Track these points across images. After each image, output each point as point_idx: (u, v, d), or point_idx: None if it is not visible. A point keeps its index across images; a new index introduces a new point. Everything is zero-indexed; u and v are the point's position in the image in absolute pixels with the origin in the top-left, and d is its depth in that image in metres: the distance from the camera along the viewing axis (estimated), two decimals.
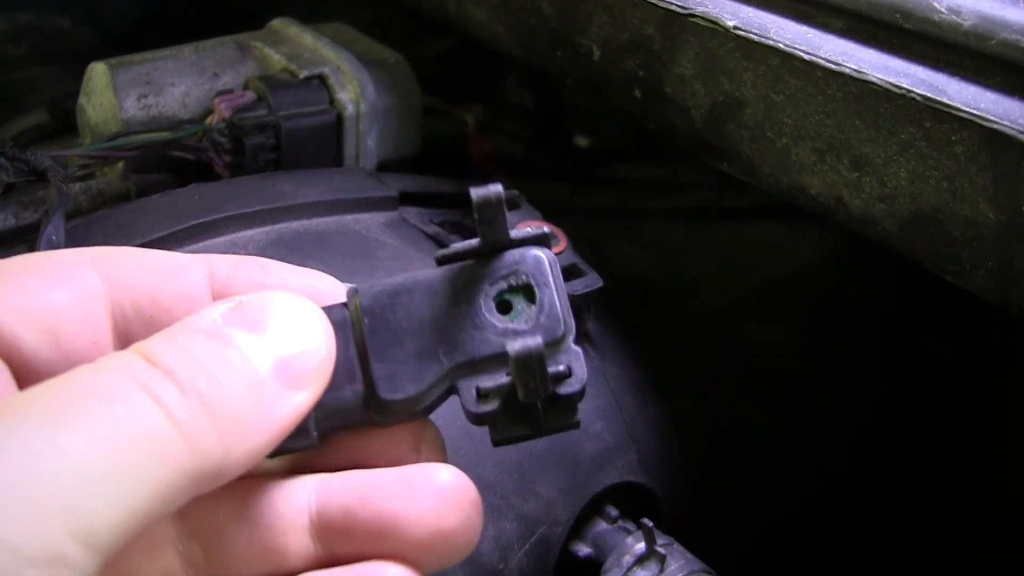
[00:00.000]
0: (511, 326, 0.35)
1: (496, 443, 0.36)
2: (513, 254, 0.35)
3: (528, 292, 0.35)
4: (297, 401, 0.32)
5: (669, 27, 0.54)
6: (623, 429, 0.57)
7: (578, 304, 0.56)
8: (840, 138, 0.51)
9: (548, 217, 0.59)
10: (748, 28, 0.48)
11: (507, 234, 0.35)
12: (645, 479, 0.57)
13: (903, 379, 0.73)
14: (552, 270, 0.35)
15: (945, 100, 0.43)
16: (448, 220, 0.59)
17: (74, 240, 0.53)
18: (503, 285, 0.35)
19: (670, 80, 0.57)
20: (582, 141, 0.87)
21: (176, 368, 0.29)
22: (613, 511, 0.56)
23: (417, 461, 0.35)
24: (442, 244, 0.58)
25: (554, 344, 0.35)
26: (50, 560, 0.25)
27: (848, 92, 0.48)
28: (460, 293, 0.35)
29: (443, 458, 0.36)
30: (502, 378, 0.34)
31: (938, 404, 0.75)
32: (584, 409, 0.60)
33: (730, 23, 0.48)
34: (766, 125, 0.54)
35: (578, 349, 0.35)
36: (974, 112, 0.42)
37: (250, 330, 0.31)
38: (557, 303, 0.35)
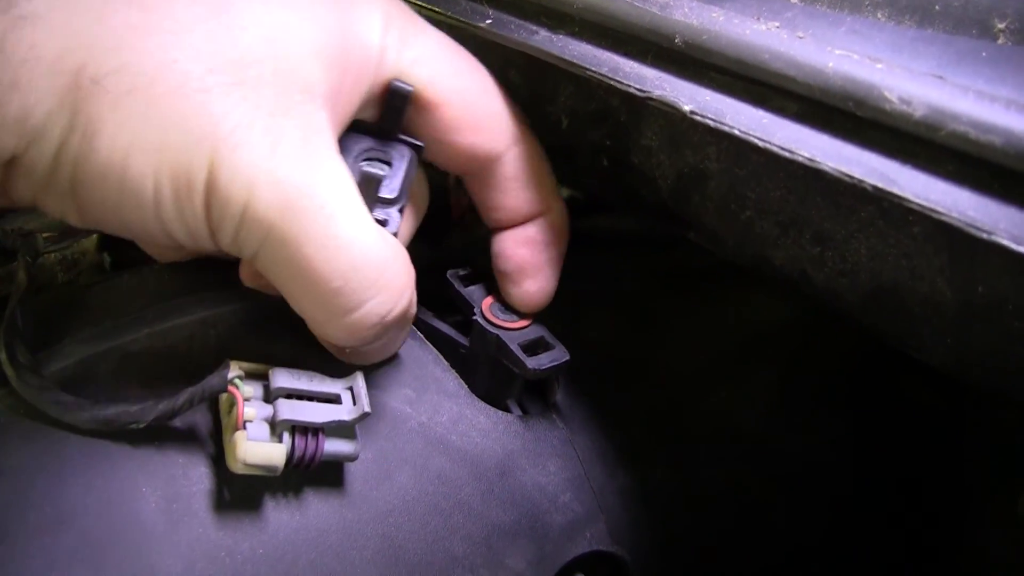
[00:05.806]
0: None
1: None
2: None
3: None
4: None
5: (632, 101, 0.55)
6: (592, 499, 0.57)
7: (545, 378, 0.57)
8: (802, 213, 0.51)
9: None
10: (704, 113, 0.48)
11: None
12: (615, 548, 0.57)
13: (881, 435, 0.73)
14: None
15: (896, 191, 0.43)
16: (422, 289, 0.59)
17: (44, 320, 0.53)
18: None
19: (636, 151, 0.57)
20: (562, 192, 0.87)
21: None
22: None
23: None
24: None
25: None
26: None
27: (807, 171, 0.48)
28: None
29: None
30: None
31: (918, 460, 0.75)
32: (553, 480, 0.60)
33: (686, 108, 0.49)
34: (730, 198, 0.54)
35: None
36: (924, 204, 0.43)
37: None
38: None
